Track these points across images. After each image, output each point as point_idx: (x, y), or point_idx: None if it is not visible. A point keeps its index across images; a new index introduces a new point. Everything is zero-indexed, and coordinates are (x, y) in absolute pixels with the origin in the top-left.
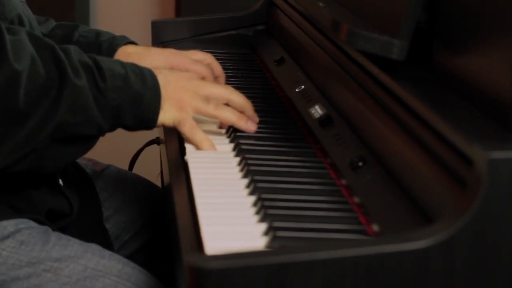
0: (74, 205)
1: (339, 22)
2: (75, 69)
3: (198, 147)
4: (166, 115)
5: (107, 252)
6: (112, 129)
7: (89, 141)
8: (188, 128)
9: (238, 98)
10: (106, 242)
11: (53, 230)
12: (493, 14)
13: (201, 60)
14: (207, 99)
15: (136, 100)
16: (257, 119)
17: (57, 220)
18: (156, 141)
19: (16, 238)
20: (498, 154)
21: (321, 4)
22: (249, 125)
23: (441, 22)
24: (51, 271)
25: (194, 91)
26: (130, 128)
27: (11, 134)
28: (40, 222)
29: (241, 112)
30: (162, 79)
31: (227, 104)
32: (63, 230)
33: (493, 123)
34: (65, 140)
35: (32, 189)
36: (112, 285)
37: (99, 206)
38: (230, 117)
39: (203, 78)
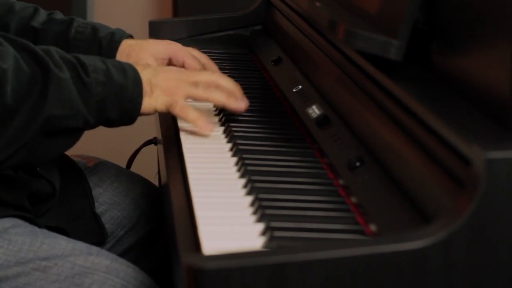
0: (56, 185)
1: (337, 22)
2: (57, 65)
3: (193, 125)
4: (158, 101)
5: (94, 249)
6: (97, 122)
7: (75, 134)
8: (180, 109)
9: (226, 82)
10: (98, 229)
11: (40, 227)
12: (491, 13)
13: (197, 58)
14: (196, 84)
15: (120, 93)
16: (246, 101)
17: (41, 203)
18: (154, 141)
19: (3, 237)
20: (496, 154)
21: (318, 4)
22: (239, 104)
23: (439, 22)
24: (40, 269)
25: (182, 79)
26: (113, 121)
27: (2, 130)
28: (26, 219)
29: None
30: (152, 71)
31: None
32: (52, 217)
33: (491, 123)
34: (52, 134)
35: (10, 173)
36: (100, 281)
37: (90, 193)
38: (220, 98)
39: None
